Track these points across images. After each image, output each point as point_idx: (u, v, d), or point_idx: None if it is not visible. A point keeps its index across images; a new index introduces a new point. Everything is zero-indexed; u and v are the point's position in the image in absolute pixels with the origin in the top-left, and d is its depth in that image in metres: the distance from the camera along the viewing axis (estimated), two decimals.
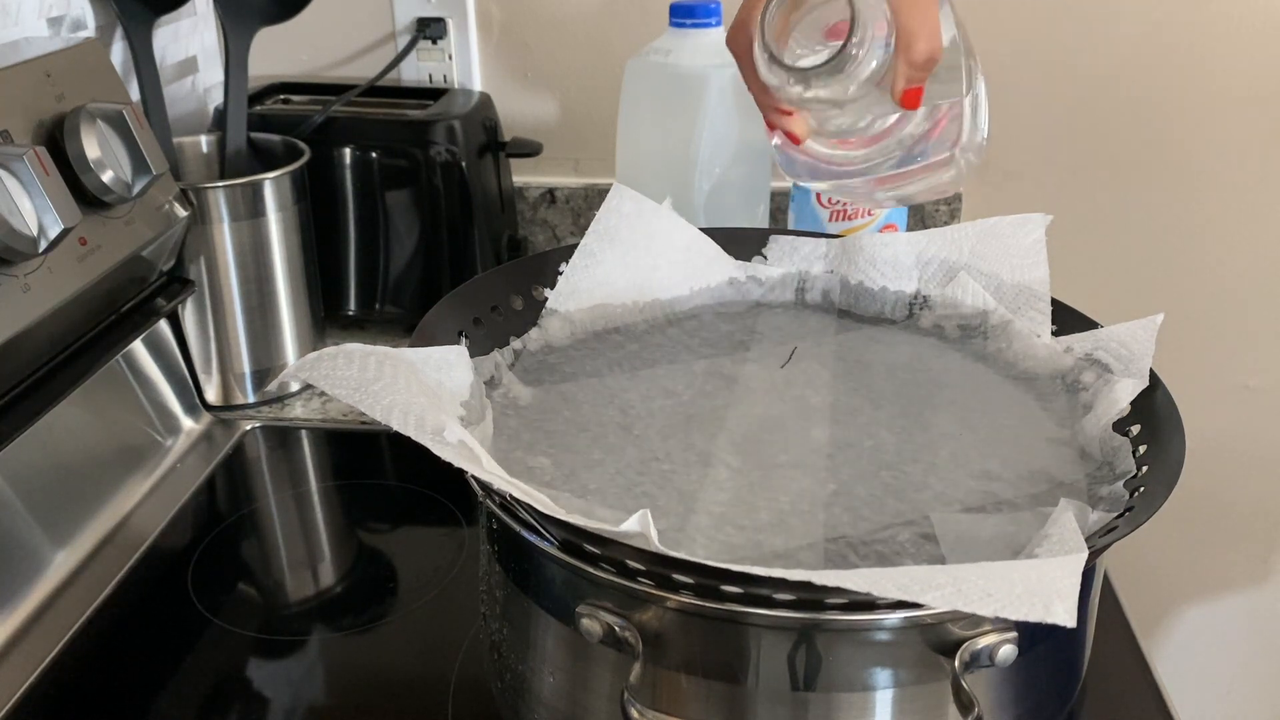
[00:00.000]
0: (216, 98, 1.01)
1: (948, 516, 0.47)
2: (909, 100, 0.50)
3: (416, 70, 1.05)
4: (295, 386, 0.88)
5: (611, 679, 0.44)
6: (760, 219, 0.92)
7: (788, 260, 0.66)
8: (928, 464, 0.51)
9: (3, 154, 0.58)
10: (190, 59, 0.98)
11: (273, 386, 0.86)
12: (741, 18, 0.52)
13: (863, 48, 0.48)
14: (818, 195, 0.85)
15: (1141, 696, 0.58)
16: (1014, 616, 0.34)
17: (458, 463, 0.41)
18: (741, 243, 0.67)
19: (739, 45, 0.52)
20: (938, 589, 0.35)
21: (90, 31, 0.82)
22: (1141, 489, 0.46)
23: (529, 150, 0.99)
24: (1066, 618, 0.34)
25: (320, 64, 1.06)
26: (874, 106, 0.51)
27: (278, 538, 0.74)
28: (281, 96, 1.00)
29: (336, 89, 0.97)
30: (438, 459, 0.41)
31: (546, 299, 0.61)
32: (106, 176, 0.67)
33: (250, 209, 0.82)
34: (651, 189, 0.64)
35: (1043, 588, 0.35)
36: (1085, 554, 0.38)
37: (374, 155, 0.92)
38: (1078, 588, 0.35)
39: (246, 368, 0.85)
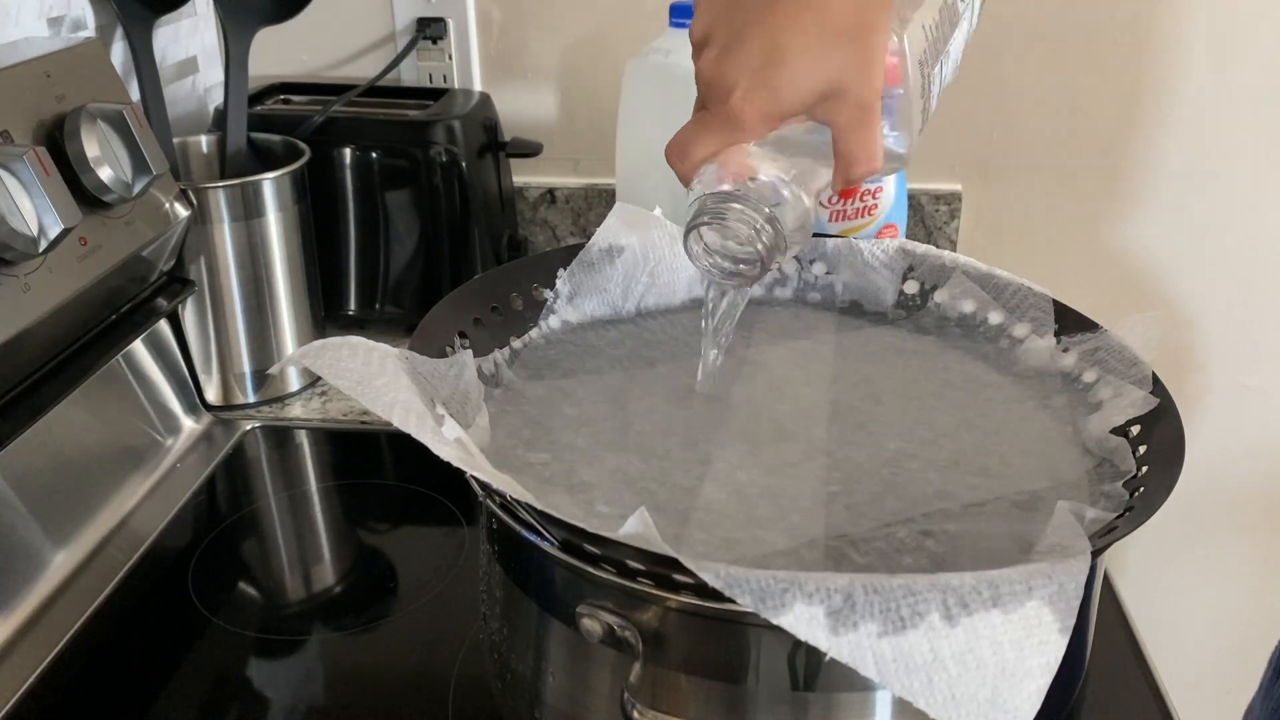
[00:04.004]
0: (216, 98, 1.01)
1: (947, 514, 0.47)
2: (844, 194, 0.50)
3: (416, 70, 1.05)
4: (295, 386, 0.88)
5: (611, 679, 0.44)
6: None
7: (787, 260, 0.66)
8: (927, 462, 0.51)
9: (3, 154, 0.59)
10: (190, 59, 0.98)
11: (274, 369, 0.85)
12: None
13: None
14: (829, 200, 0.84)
15: (1141, 696, 0.58)
16: None
17: (457, 462, 0.41)
18: None
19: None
20: (911, 674, 0.34)
21: (90, 31, 0.82)
22: (1141, 489, 0.46)
23: (529, 150, 0.99)
24: None
25: (320, 64, 1.06)
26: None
27: (278, 538, 0.74)
28: (281, 96, 1.00)
29: (336, 89, 0.97)
30: (437, 458, 0.41)
31: (546, 299, 0.61)
32: (106, 176, 0.67)
33: (250, 209, 0.82)
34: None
35: (1009, 698, 0.35)
36: (1072, 623, 0.37)
37: (374, 155, 0.92)
38: (1044, 692, 0.35)
39: (246, 368, 0.85)
